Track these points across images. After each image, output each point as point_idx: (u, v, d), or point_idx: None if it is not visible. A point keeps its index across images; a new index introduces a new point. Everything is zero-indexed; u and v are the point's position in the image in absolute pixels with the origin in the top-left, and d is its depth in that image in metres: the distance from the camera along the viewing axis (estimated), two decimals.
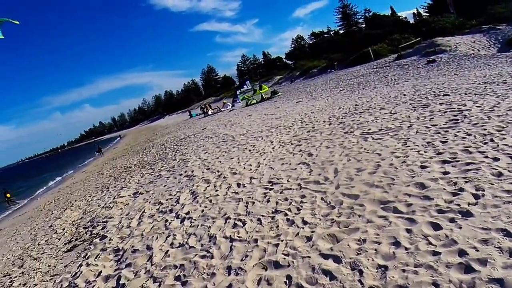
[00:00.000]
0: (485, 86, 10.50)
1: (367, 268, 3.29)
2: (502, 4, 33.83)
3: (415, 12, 67.40)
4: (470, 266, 2.93)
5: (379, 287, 3.00)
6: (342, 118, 11.27)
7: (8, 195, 26.15)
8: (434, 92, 11.48)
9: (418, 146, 6.34)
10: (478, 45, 26.95)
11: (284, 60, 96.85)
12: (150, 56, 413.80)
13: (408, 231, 3.69)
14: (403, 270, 3.10)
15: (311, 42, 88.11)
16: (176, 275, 4.40)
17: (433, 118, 8.07)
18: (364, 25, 71.33)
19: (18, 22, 11.67)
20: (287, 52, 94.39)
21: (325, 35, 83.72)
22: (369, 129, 8.59)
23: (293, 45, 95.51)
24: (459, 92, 10.33)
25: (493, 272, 2.78)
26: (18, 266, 7.44)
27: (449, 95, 10.34)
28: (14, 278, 6.76)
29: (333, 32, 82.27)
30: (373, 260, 3.38)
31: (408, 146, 6.46)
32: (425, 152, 5.93)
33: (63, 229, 9.16)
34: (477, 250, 3.09)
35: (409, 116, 8.82)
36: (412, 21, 62.30)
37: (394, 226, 3.87)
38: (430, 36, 34.34)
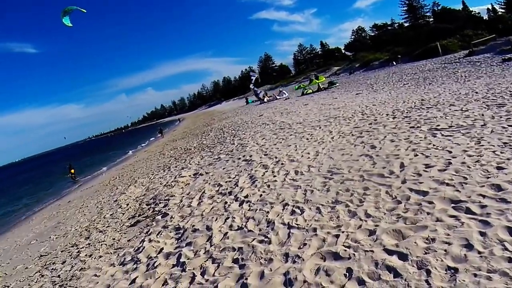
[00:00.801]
0: None
1: (436, 268, 3.08)
2: None
3: (490, 7, 63.64)
4: None
5: None
6: (407, 112, 10.69)
7: (72, 170, 28.09)
8: (510, 91, 10.49)
9: (493, 146, 5.83)
10: None
11: (343, 51, 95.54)
12: (210, 43, 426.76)
13: (482, 234, 3.41)
14: (475, 275, 2.87)
15: (372, 34, 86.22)
16: (234, 257, 4.46)
17: (510, 118, 7.37)
18: (432, 19, 67.99)
19: (85, 11, 12.45)
20: (347, 43, 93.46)
21: (389, 28, 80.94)
22: (438, 125, 8.05)
23: (353, 37, 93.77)
24: None
25: None
26: (85, 238, 8.00)
27: None
28: (81, 248, 7.28)
29: (397, 25, 79.66)
30: (442, 261, 3.16)
31: (482, 145, 5.96)
32: (501, 152, 5.43)
33: (127, 205, 9.71)
34: None
35: (482, 115, 8.14)
36: (486, 17, 58.49)
37: (467, 227, 3.59)
38: (507, 33, 32.00)
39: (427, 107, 10.73)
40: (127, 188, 12.51)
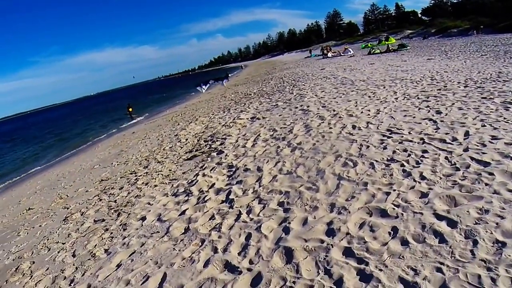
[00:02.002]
0: None
1: (483, 240, 2.98)
2: None
3: None
4: None
5: (491, 262, 2.73)
6: (481, 83, 9.79)
7: (130, 109, 29.48)
8: None
9: None
10: None
11: (420, 15, 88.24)
12: None
13: None
14: None
15: (455, 1, 77.65)
16: (280, 200, 4.61)
17: None
18: None
19: None
20: (424, 7, 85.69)
21: None
22: None
23: (433, 1, 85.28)
24: None
25: None
26: (144, 166, 8.56)
27: None
28: (139, 176, 7.81)
29: None
30: (491, 233, 3.05)
31: None
32: None
33: (186, 139, 10.20)
34: None
35: None
36: None
37: None
38: None
39: (504, 80, 9.72)
40: (188, 124, 13.08)
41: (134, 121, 25.90)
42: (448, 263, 2.81)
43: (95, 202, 6.91)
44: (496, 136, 5.27)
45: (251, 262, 3.49)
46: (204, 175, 6.40)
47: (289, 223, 3.98)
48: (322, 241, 3.50)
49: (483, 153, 4.72)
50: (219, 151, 7.67)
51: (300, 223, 3.95)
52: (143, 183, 7.18)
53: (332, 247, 3.36)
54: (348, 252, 3.25)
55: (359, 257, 3.13)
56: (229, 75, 50.38)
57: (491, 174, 4.10)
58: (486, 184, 3.88)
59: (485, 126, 5.84)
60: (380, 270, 2.90)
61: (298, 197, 4.55)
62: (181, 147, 9.32)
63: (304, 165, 5.59)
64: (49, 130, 40.75)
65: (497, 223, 3.16)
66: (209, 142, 8.85)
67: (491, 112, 6.64)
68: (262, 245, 3.69)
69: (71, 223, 6.14)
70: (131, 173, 8.27)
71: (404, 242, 3.20)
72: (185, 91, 46.98)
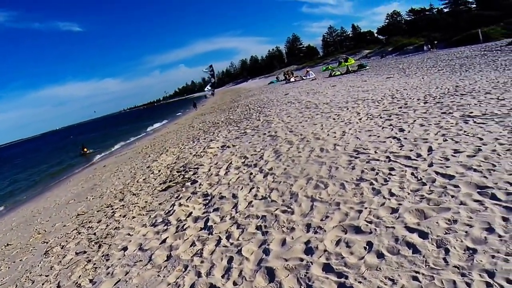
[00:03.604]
0: None
1: (455, 248, 3.17)
2: None
3: None
4: None
5: (464, 268, 2.90)
6: (439, 98, 10.46)
7: (85, 149, 29.05)
8: None
9: None
10: None
11: (376, 34, 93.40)
12: (240, 22, 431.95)
13: (505, 219, 3.44)
14: (493, 256, 2.95)
15: (408, 18, 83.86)
16: (258, 224, 4.69)
17: None
18: (474, 5, 64.91)
19: None
20: (380, 27, 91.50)
21: (426, 13, 78.28)
22: (471, 112, 7.87)
23: (387, 20, 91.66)
24: None
25: None
26: (119, 199, 8.43)
27: None
28: (115, 209, 7.70)
29: (435, 10, 76.86)
30: (462, 241, 3.24)
31: None
32: None
33: (159, 171, 10.12)
34: None
35: None
36: None
37: (490, 212, 3.63)
38: None
39: (461, 94, 10.44)
40: (159, 156, 12.97)
41: (100, 155, 25.31)
42: (423, 272, 2.95)
43: (75, 236, 6.77)
44: (458, 149, 5.62)
45: (235, 283, 3.54)
46: (180, 204, 6.40)
47: (269, 244, 4.06)
48: (301, 259, 3.59)
49: (447, 166, 5.01)
50: (193, 181, 7.68)
51: (279, 244, 4.04)
52: (120, 215, 7.09)
53: (312, 264, 3.46)
54: (327, 268, 3.35)
55: (339, 272, 3.24)
56: (196, 103, 51.01)
57: (456, 186, 4.35)
58: (452, 196, 4.12)
59: (447, 140, 6.21)
60: (360, 282, 3.02)
61: (274, 220, 4.65)
62: (155, 179, 9.25)
63: (278, 190, 5.72)
64: (17, 165, 39.29)
65: (466, 232, 3.36)
66: (182, 172, 8.83)
67: (451, 126, 7.08)
68: (244, 267, 3.75)
69: (52, 256, 6.00)
70: (107, 207, 8.14)
71: (380, 255, 3.34)
72: (151, 122, 46.69)
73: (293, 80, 42.44)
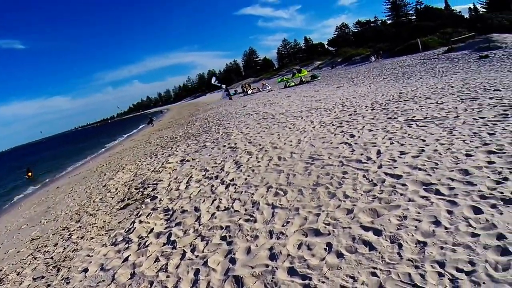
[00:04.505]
0: None
1: (407, 242, 3.43)
2: None
3: (471, 7, 66.00)
4: (508, 250, 3.00)
5: (416, 260, 3.15)
6: (385, 104, 11.19)
7: (29, 174, 27.66)
8: (484, 86, 11.01)
9: (464, 136, 6.27)
10: None
11: (326, 46, 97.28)
12: (196, 37, 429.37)
13: (449, 212, 3.79)
14: (442, 248, 3.22)
15: (356, 30, 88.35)
16: (222, 235, 4.75)
17: (481, 111, 7.83)
18: (414, 17, 70.06)
19: None
20: (330, 38, 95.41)
21: (372, 25, 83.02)
22: (414, 116, 8.52)
23: (336, 33, 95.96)
24: (511, 89, 9.86)
25: None
26: (76, 221, 8.10)
27: (500, 90, 9.87)
28: (72, 231, 7.38)
29: (380, 22, 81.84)
30: (413, 235, 3.52)
31: (454, 135, 6.40)
32: (471, 141, 5.86)
33: (116, 189, 9.85)
34: None
35: (456, 107, 8.62)
36: (467, 16, 60.37)
37: (436, 206, 3.97)
38: (485, 32, 33.18)
39: (404, 100, 11.22)
40: (115, 174, 12.61)
41: (51, 177, 24.10)
42: (381, 267, 3.17)
43: (30, 261, 6.41)
44: (404, 151, 6.08)
45: None
46: (141, 221, 6.29)
47: (234, 254, 4.14)
48: (267, 265, 3.71)
49: (395, 167, 5.40)
50: (153, 197, 7.58)
51: (244, 253, 4.13)
52: (78, 237, 6.81)
53: (277, 269, 3.58)
54: (292, 271, 3.49)
55: (302, 274, 3.39)
56: (153, 119, 49.82)
57: (404, 185, 4.71)
58: (401, 194, 4.46)
59: (393, 143, 6.69)
60: (323, 282, 3.18)
61: (238, 230, 4.74)
62: (112, 197, 9.00)
63: (240, 200, 5.83)
64: None
65: (416, 226, 3.65)
66: (141, 189, 8.68)
67: (396, 130, 7.61)
68: (211, 278, 3.79)
69: (8, 283, 5.67)
70: (63, 229, 7.78)
71: (340, 255, 3.53)
72: (105, 139, 45.21)
73: (251, 92, 43.11)
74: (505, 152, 5.09)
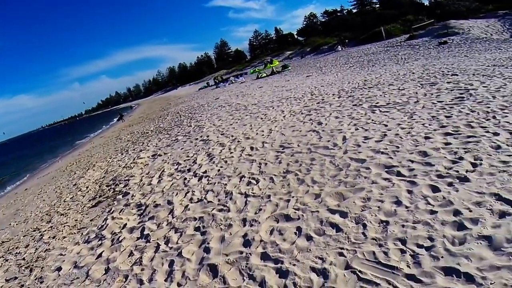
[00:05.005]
0: (494, 69, 10.51)
1: (371, 222, 3.65)
2: None
3: None
4: (463, 224, 3.25)
5: (380, 239, 3.36)
6: (351, 92, 11.54)
7: None
8: (442, 71, 11.57)
9: (423, 119, 6.63)
10: (491, 29, 26.89)
11: (296, 36, 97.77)
12: (165, 30, 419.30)
13: (409, 192, 4.05)
14: (403, 226, 3.45)
15: (323, 20, 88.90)
16: (196, 226, 4.85)
17: (439, 95, 8.27)
18: (378, 5, 71.11)
19: None
20: (299, 29, 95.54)
21: (338, 14, 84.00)
22: (377, 103, 8.86)
23: (305, 22, 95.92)
24: (467, 73, 10.39)
25: (483, 230, 3.10)
26: (47, 221, 7.95)
27: (457, 75, 10.41)
28: (43, 231, 7.25)
29: (346, 11, 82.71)
30: (376, 216, 3.75)
31: (414, 119, 6.76)
32: (429, 125, 6.22)
33: (87, 187, 9.70)
34: (471, 211, 3.41)
35: (416, 93, 9.04)
36: (427, 3, 61.93)
37: (397, 187, 4.22)
38: (444, 18, 34.48)
39: (369, 87, 11.61)
40: (86, 172, 12.38)
41: (18, 179, 23.30)
42: (347, 247, 3.37)
43: (1, 263, 6.28)
44: (368, 136, 6.36)
45: (179, 284, 3.66)
46: (113, 218, 6.28)
47: (208, 243, 4.25)
48: (241, 252, 3.84)
49: (359, 152, 5.66)
50: (125, 193, 7.55)
51: (218, 241, 4.24)
52: (49, 237, 6.70)
53: (251, 255, 3.73)
54: (265, 256, 3.64)
55: (275, 258, 3.54)
56: (123, 114, 48.68)
57: (367, 168, 4.97)
58: (365, 177, 4.70)
59: (358, 129, 6.97)
60: (294, 265, 3.35)
61: (212, 220, 4.85)
62: (83, 196, 8.88)
63: (213, 191, 5.92)
64: None
65: (378, 207, 3.89)
66: (112, 186, 8.61)
67: (361, 116, 7.91)
68: (186, 268, 3.89)
69: None
70: (34, 230, 7.62)
71: (309, 238, 3.71)
72: (74, 137, 43.97)
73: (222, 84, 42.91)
74: (460, 134, 5.44)
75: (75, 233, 6.37)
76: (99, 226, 6.19)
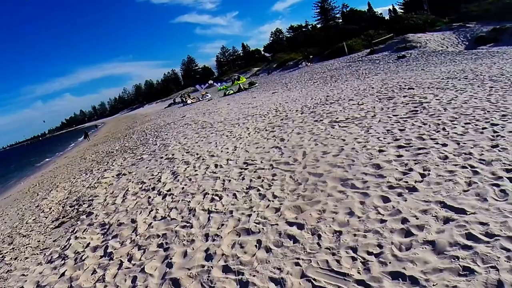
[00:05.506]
0: (447, 81, 11.33)
1: (325, 233, 3.88)
2: (476, 3, 35.13)
3: (391, 8, 70.54)
4: (410, 231, 3.53)
5: (333, 248, 3.58)
6: (313, 108, 12.01)
7: None
8: (400, 86, 12.31)
9: (378, 133, 7.08)
10: (447, 42, 28.49)
11: (262, 52, 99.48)
12: (131, 47, 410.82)
13: (362, 203, 4.33)
14: (355, 235, 3.70)
15: (289, 35, 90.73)
16: (159, 242, 4.91)
17: (395, 109, 8.83)
18: (341, 20, 73.40)
19: None
20: (266, 44, 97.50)
21: (303, 29, 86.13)
22: (337, 118, 9.32)
23: (271, 38, 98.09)
24: (422, 86, 11.12)
25: (427, 236, 3.38)
26: (8, 243, 7.71)
27: (413, 88, 11.12)
28: (5, 253, 7.05)
29: (310, 26, 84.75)
30: (330, 226, 3.99)
31: (370, 133, 7.19)
32: (384, 138, 6.66)
33: (50, 208, 9.48)
34: (417, 218, 3.70)
35: (374, 107, 9.59)
36: (387, 17, 64.61)
37: (351, 199, 4.51)
38: (403, 32, 36.13)
39: (330, 103, 12.13)
40: (49, 193, 12.06)
41: None
42: (303, 257, 3.56)
43: None
44: (326, 151, 6.69)
45: None
46: (76, 237, 6.21)
47: (171, 258, 4.33)
48: (203, 266, 3.96)
49: (317, 166, 5.95)
50: (88, 213, 7.47)
51: (181, 256, 4.34)
52: (11, 258, 6.55)
53: (212, 268, 3.85)
54: (226, 269, 3.78)
55: (236, 270, 3.69)
56: (88, 133, 47.42)
57: (324, 182, 5.24)
58: (322, 191, 4.97)
59: (318, 144, 7.31)
60: (254, 276, 3.51)
61: (175, 236, 4.93)
62: (46, 217, 8.67)
63: (177, 208, 6.00)
64: None
65: (333, 218, 4.13)
66: (76, 207, 8.47)
67: (321, 132, 8.28)
68: (149, 283, 3.95)
69: None
70: None
71: (268, 250, 3.89)
72: (37, 158, 42.36)
73: (190, 102, 42.80)
74: (412, 146, 5.87)
75: (37, 254, 6.27)
76: (62, 246, 6.11)
